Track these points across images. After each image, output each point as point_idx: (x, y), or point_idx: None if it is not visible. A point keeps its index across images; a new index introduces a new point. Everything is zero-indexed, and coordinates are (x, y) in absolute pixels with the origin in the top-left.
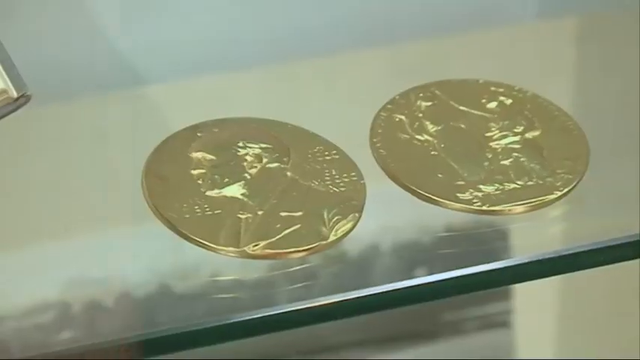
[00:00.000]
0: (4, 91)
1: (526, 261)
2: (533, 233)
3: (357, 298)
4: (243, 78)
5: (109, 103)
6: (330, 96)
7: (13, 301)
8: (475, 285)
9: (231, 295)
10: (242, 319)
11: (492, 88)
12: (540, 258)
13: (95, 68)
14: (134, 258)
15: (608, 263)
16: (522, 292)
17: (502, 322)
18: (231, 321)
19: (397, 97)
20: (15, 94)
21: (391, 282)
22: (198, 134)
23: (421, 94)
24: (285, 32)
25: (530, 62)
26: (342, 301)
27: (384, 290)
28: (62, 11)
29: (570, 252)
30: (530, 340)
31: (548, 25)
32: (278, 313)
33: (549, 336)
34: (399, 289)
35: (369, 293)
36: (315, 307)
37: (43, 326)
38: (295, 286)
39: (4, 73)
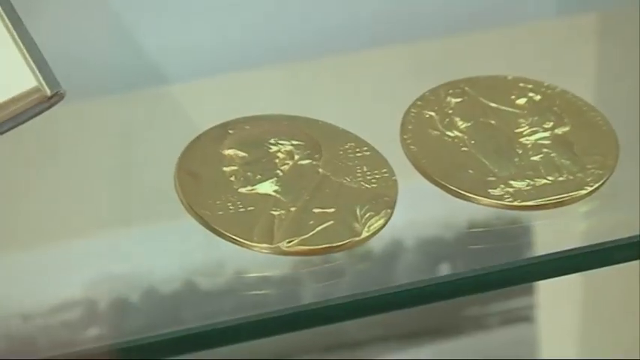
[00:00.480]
0: (38, 90)
1: (557, 257)
2: (564, 229)
3: (379, 295)
4: (271, 76)
5: (136, 101)
6: (358, 93)
7: (44, 299)
8: (502, 282)
9: (262, 292)
10: (268, 316)
11: (521, 85)
12: (571, 254)
13: (119, 67)
14: (168, 255)
15: (636, 259)
16: (545, 287)
17: (525, 317)
18: (257, 319)
19: (427, 94)
20: (49, 92)
21: (419, 278)
22: (230, 131)
23: (451, 91)
24: (307, 31)
25: (553, 58)
26: (364, 298)
27: (406, 288)
28: (85, 9)
29: (600, 248)
30: (554, 335)
31: (567, 22)
32: (301, 311)
33: (573, 330)
34: (422, 286)
35: (391, 291)
36: (333, 305)
37: (72, 322)
38: (324, 283)
39: (37, 71)
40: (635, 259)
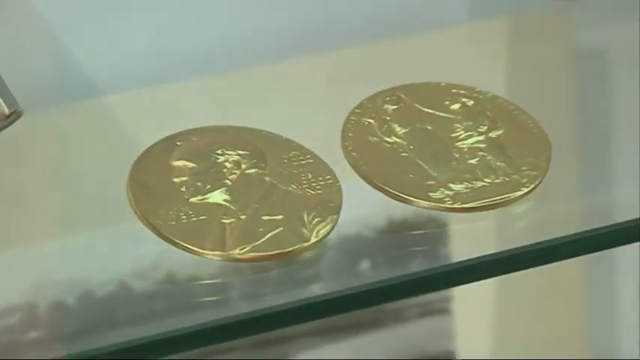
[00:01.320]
0: None
1: (497, 257)
2: (502, 229)
3: (322, 300)
4: (212, 86)
5: (81, 113)
6: (298, 102)
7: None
8: (440, 283)
9: (213, 298)
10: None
11: (454, 91)
12: (510, 253)
13: (61, 79)
14: (120, 262)
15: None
16: None
17: (442, 310)
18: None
19: (365, 102)
20: (7, 111)
21: (364, 282)
22: (178, 143)
23: (387, 98)
24: (244, 41)
25: (473, 62)
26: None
27: (347, 293)
28: (20, 22)
29: (538, 247)
30: (469, 326)
31: (480, 26)
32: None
33: (487, 322)
34: (351, 293)
35: (315, 300)
36: (285, 310)
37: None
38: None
39: None
40: (572, 257)
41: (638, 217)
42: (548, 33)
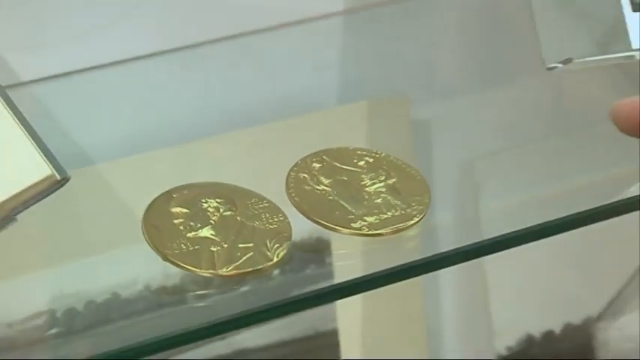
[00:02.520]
0: (51, 176)
1: (399, 269)
2: (400, 248)
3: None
4: (189, 151)
5: (98, 175)
6: (252, 164)
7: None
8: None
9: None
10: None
11: (359, 152)
12: (407, 266)
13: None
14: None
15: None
16: None
17: None
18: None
19: (299, 162)
20: (58, 177)
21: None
22: (174, 195)
23: (314, 159)
24: (210, 114)
25: (355, 133)
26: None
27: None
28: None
29: (426, 261)
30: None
31: (347, 108)
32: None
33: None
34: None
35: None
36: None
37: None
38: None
39: (44, 158)
40: (451, 266)
41: (498, 233)
42: (397, 109)
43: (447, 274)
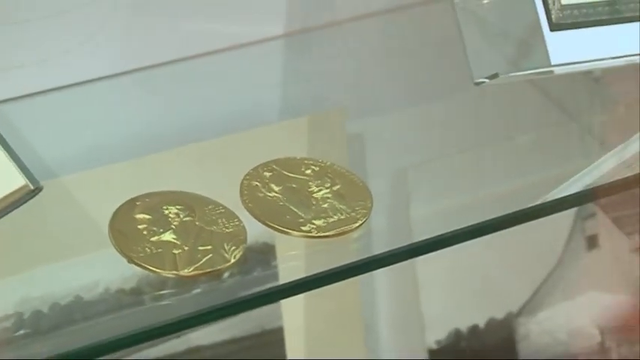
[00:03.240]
0: (25, 186)
1: (346, 267)
2: (346, 248)
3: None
4: (149, 163)
5: (64, 186)
6: (208, 174)
7: None
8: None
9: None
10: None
11: (305, 162)
12: (351, 265)
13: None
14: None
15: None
16: None
17: None
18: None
19: (251, 171)
20: (32, 187)
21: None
22: (137, 203)
23: (265, 168)
24: (167, 128)
25: (298, 145)
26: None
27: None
28: None
29: (372, 259)
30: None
31: (288, 123)
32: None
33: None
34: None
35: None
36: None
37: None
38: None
39: (18, 169)
40: (392, 264)
41: (432, 235)
42: (333, 122)
43: (381, 273)
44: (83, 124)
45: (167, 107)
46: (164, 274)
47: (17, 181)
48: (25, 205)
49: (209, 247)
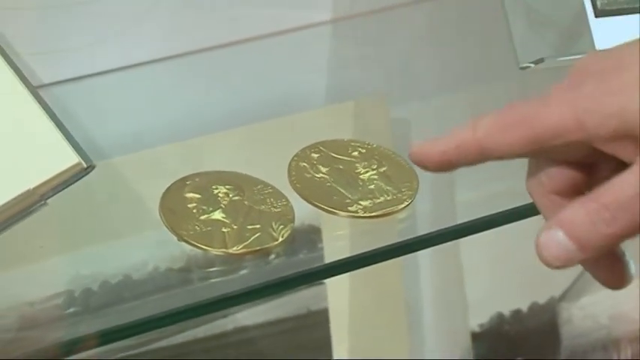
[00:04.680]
0: (79, 164)
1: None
2: (391, 229)
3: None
4: (206, 143)
5: (118, 167)
6: (258, 155)
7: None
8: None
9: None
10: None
11: (352, 144)
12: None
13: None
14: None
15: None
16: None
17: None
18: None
19: (299, 152)
20: (84, 165)
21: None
22: (187, 183)
23: (312, 150)
24: (218, 112)
25: (348, 127)
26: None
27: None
28: None
29: (418, 239)
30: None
31: (334, 107)
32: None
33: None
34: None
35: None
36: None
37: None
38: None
39: (72, 148)
40: (436, 245)
41: (476, 217)
42: (378, 108)
43: (425, 257)
44: (134, 106)
45: (216, 91)
46: (213, 252)
47: (71, 159)
48: (77, 185)
49: (257, 226)
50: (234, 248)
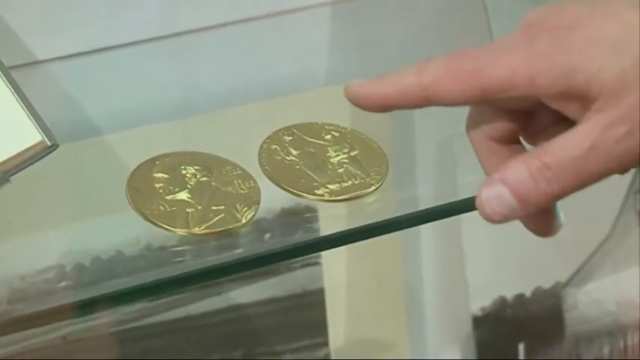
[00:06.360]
0: (42, 142)
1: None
2: (361, 212)
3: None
4: (177, 127)
5: (86, 148)
6: (227, 135)
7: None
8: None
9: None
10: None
11: (326, 127)
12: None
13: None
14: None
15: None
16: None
17: (315, 262)
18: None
19: (271, 135)
20: (49, 144)
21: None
22: (156, 162)
23: (285, 132)
24: (198, 94)
25: (333, 110)
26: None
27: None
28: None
29: (383, 223)
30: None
31: (330, 89)
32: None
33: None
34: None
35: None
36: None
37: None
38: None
39: (36, 126)
40: (403, 229)
41: (445, 201)
42: None
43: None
44: (123, 86)
45: (211, 71)
46: (176, 232)
47: (34, 137)
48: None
49: (222, 207)
50: (197, 229)
